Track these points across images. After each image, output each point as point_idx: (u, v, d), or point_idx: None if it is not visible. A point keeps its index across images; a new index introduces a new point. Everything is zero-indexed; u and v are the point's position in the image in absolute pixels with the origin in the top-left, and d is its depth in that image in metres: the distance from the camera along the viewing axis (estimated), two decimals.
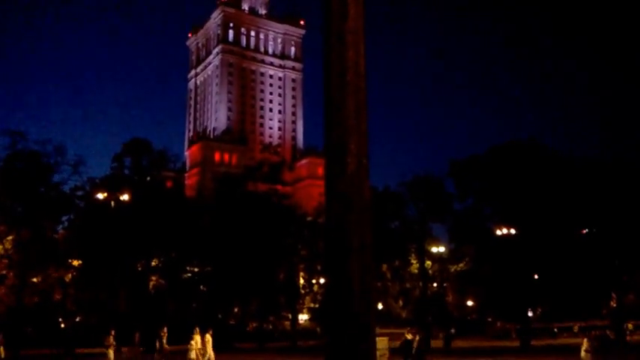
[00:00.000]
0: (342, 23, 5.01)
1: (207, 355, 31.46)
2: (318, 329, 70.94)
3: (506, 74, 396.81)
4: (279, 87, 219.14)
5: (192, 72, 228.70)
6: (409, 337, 28.57)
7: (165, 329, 34.78)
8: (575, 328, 60.70)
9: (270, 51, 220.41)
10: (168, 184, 71.20)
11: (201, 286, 68.17)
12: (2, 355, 34.29)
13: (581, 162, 60.25)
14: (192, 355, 31.02)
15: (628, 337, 57.88)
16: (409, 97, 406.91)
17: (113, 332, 33.64)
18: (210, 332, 33.14)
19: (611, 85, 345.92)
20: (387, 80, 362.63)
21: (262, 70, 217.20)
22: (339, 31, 5.04)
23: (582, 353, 28.65)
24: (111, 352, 32.63)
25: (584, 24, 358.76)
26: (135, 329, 37.79)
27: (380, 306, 78.48)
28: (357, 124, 5.02)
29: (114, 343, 33.34)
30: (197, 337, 31.41)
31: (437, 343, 59.14)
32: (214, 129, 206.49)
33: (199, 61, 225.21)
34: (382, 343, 32.84)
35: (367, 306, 4.54)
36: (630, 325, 61.14)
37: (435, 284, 71.12)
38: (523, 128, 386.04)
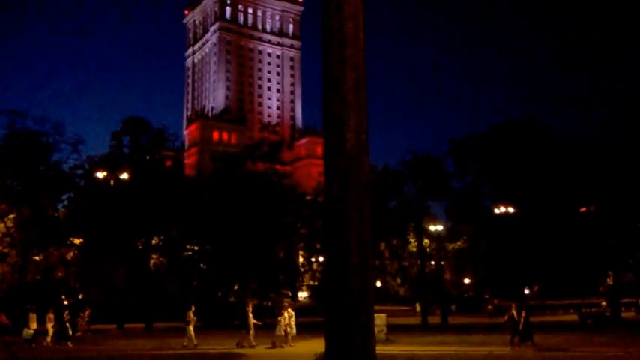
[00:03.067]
0: None
1: (293, 330, 31.48)
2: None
3: (508, 55, 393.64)
4: (278, 65, 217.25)
5: (190, 50, 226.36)
6: (516, 312, 29.04)
7: (250, 303, 34.64)
8: (603, 303, 60.95)
9: (268, 29, 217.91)
10: (168, 163, 71.18)
11: (202, 264, 68.77)
12: (70, 332, 34.23)
13: (580, 141, 60.36)
14: (281, 331, 30.68)
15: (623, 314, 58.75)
16: (411, 76, 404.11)
17: (193, 307, 33.77)
18: (293, 307, 33.95)
19: (612, 66, 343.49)
20: (388, 58, 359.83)
21: (260, 48, 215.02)
22: (337, 4, 4.97)
23: None
24: (191, 328, 32.30)
25: (585, 6, 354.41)
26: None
27: (378, 284, 79.29)
28: (357, 100, 5.00)
29: (194, 317, 33.01)
30: (286, 313, 31.03)
31: (434, 319, 60.04)
32: (212, 108, 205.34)
33: (197, 39, 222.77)
34: (380, 319, 33.42)
35: (365, 279, 4.63)
36: None
37: (432, 262, 71.78)
38: (524, 109, 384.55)
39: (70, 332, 34.13)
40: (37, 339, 33.33)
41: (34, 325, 33.79)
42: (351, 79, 5.12)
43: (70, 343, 33.01)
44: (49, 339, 33.44)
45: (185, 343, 32.15)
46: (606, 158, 55.62)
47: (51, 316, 33.89)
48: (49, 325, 33.51)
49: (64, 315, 34.03)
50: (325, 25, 5.16)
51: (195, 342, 32.07)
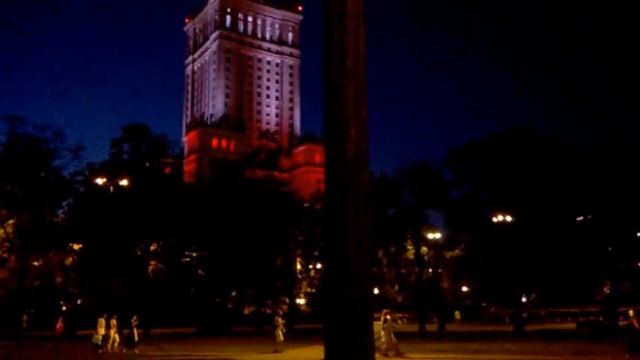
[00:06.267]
0: (342, 7, 4.99)
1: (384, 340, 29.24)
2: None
3: (505, 63, 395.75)
4: (277, 73, 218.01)
5: (190, 58, 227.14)
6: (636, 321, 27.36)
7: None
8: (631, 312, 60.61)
9: (268, 37, 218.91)
10: (167, 170, 71.23)
11: (200, 271, 68.77)
12: (136, 339, 33.54)
13: (577, 149, 60.59)
14: (389, 337, 28.74)
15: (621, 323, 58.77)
16: (409, 84, 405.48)
17: (281, 312, 33.41)
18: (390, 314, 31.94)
19: (607, 73, 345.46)
20: (386, 67, 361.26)
21: (260, 56, 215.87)
22: (339, 16, 5.10)
23: None
24: (280, 333, 32.10)
25: (579, 12, 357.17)
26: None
27: (376, 291, 79.33)
28: (357, 110, 5.16)
29: (282, 322, 32.91)
30: (389, 319, 29.14)
31: (431, 327, 60.06)
32: (212, 115, 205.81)
33: (197, 47, 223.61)
34: (377, 326, 33.45)
35: (364, 287, 4.73)
36: None
37: (430, 270, 71.87)
38: (522, 117, 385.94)
39: (136, 339, 33.48)
40: (104, 344, 32.99)
41: (102, 331, 33.01)
42: (351, 89, 5.14)
43: (136, 350, 32.36)
44: (109, 346, 33.01)
45: (278, 349, 31.43)
46: (604, 166, 55.85)
47: (114, 322, 33.50)
48: (112, 332, 33.28)
49: (132, 321, 33.41)
50: (327, 37, 5.21)
51: (281, 348, 31.36)
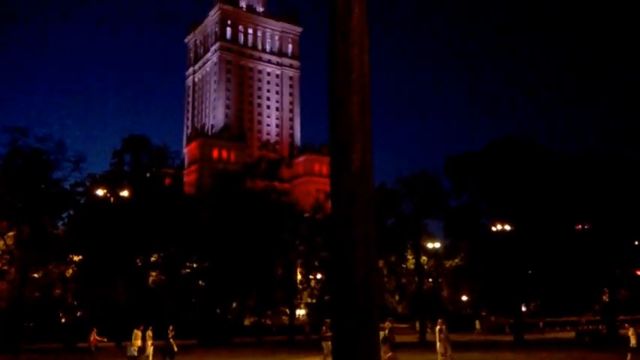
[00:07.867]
0: (347, 22, 5.06)
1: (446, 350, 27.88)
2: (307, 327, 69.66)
3: (503, 72, 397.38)
4: (277, 84, 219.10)
5: (191, 69, 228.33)
6: None
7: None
8: None
9: (268, 48, 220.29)
10: (167, 180, 71.35)
11: (200, 282, 68.65)
12: (175, 349, 32.85)
13: (575, 158, 60.85)
14: (447, 346, 27.68)
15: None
16: (407, 94, 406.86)
17: (328, 321, 32.37)
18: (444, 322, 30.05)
19: (606, 83, 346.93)
20: (385, 76, 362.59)
21: (260, 67, 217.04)
22: (343, 30, 5.14)
23: None
24: (329, 344, 30.50)
25: (578, 21, 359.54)
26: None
27: None
28: (362, 122, 5.34)
29: (330, 334, 31.53)
30: (437, 328, 27.84)
31: (431, 337, 59.86)
32: (212, 126, 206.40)
33: (197, 59, 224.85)
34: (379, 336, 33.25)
35: (370, 295, 4.77)
36: None
37: (430, 279, 71.80)
38: (520, 126, 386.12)
39: (175, 349, 32.67)
40: (140, 356, 32.28)
41: (137, 342, 32.16)
42: (356, 101, 5.18)
43: None
44: (150, 358, 32.64)
45: None
46: (601, 175, 56.13)
47: (150, 333, 33.03)
48: (149, 343, 32.80)
49: (169, 332, 32.82)
50: (331, 51, 5.29)
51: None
